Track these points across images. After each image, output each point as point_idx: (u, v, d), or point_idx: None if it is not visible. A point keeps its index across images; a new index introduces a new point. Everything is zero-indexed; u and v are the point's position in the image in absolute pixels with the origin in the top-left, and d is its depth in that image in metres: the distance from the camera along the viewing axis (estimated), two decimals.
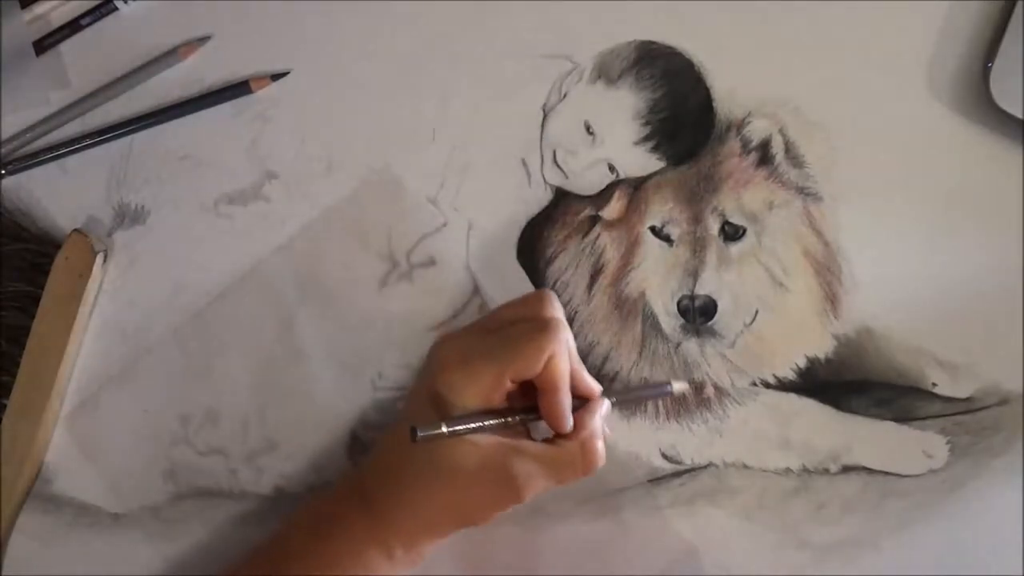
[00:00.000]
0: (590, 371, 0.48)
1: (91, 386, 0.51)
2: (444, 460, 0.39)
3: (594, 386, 0.43)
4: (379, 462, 0.43)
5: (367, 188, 0.51)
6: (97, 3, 0.54)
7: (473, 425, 0.39)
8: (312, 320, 0.50)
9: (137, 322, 0.51)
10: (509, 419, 0.40)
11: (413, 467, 0.40)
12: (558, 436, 0.41)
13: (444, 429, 0.38)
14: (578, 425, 0.41)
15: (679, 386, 0.45)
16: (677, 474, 0.46)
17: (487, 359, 0.40)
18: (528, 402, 0.41)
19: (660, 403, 0.47)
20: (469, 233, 0.50)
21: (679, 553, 0.45)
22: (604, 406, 0.42)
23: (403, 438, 0.39)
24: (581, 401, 0.42)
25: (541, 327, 0.40)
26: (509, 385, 0.40)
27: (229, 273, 0.51)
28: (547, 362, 0.39)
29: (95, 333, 0.51)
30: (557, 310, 0.41)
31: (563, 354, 0.40)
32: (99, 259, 0.50)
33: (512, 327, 0.41)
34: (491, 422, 0.39)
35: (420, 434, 0.37)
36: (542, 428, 0.41)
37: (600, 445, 0.41)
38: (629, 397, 0.47)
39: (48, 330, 0.50)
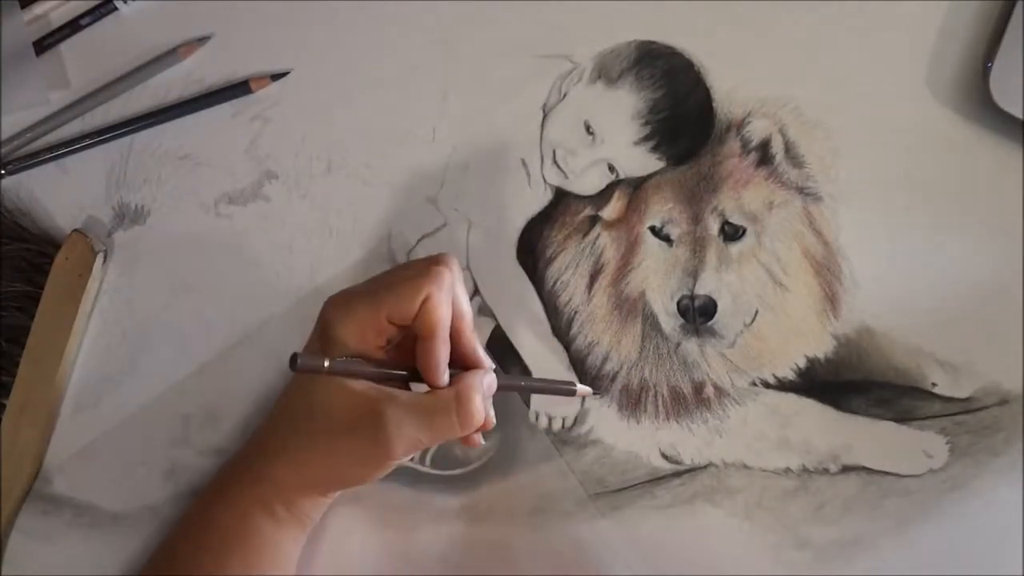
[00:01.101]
0: (590, 371, 0.48)
1: (91, 386, 0.51)
2: (318, 403, 0.39)
3: (484, 360, 0.41)
4: (263, 423, 0.43)
5: (366, 189, 0.51)
6: (97, 3, 0.54)
7: (354, 368, 0.39)
8: (312, 320, 0.50)
9: (137, 322, 0.51)
10: (391, 372, 0.40)
11: (290, 414, 0.41)
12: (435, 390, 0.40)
13: (325, 363, 0.37)
14: (455, 381, 0.40)
15: (583, 389, 0.45)
16: (677, 474, 0.46)
17: (365, 296, 0.40)
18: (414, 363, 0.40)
19: (660, 403, 0.47)
20: (469, 233, 0.50)
21: (679, 553, 0.45)
22: (487, 376, 0.41)
23: (285, 391, 0.40)
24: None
25: (421, 270, 0.40)
26: (388, 327, 0.39)
27: (229, 274, 0.51)
28: (423, 305, 0.38)
29: (95, 333, 0.51)
30: (446, 263, 0.40)
31: (441, 300, 0.39)
32: (99, 259, 0.50)
33: (394, 268, 0.42)
34: (372, 369, 0.39)
35: (300, 362, 0.37)
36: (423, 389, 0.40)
37: (478, 399, 0.39)
38: (523, 385, 0.46)
39: (48, 330, 0.50)
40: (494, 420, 0.40)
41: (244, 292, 0.51)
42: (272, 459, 0.41)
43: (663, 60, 0.50)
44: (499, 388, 0.41)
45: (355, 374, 0.39)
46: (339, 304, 0.40)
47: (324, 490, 0.41)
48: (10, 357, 0.50)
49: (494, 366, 0.42)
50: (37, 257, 0.51)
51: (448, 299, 0.39)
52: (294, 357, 0.37)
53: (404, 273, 0.40)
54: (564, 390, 0.45)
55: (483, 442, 0.43)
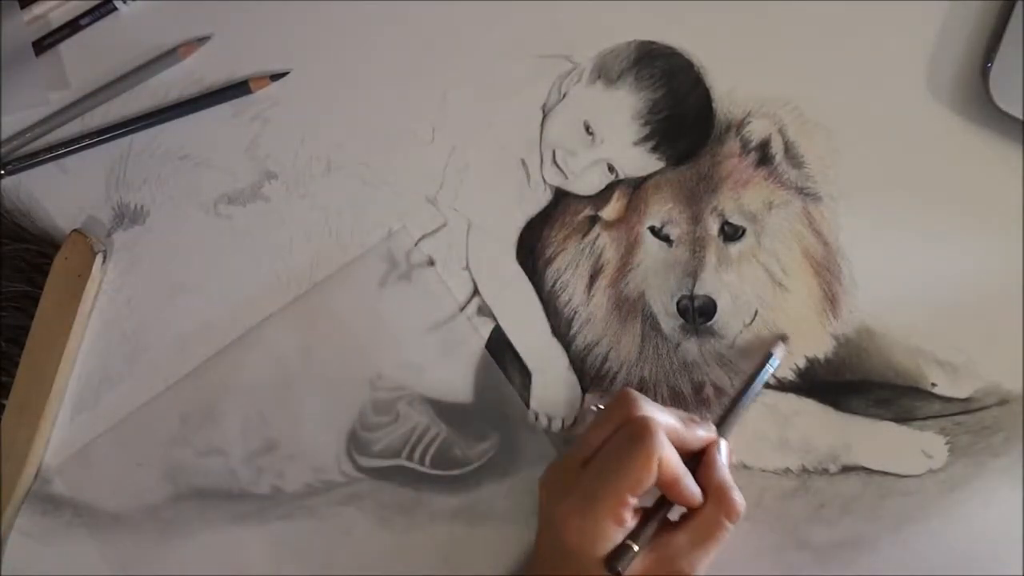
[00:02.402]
0: (589, 371, 0.48)
1: (91, 386, 0.51)
2: None
3: (705, 436, 0.42)
4: None
5: (366, 189, 0.51)
6: (96, 3, 0.54)
7: (650, 531, 0.40)
8: (311, 320, 0.50)
9: (137, 322, 0.51)
10: (657, 520, 0.40)
11: None
12: (696, 511, 0.41)
13: (634, 548, 0.39)
14: (704, 487, 0.41)
15: (780, 352, 0.45)
16: None
17: (603, 496, 0.39)
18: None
19: (660, 403, 0.47)
20: (468, 233, 0.50)
21: None
22: (722, 451, 0.42)
23: (558, 571, 0.40)
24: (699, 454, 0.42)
25: (636, 436, 0.39)
26: (635, 501, 0.39)
27: (229, 274, 0.51)
28: (660, 467, 0.39)
29: (95, 333, 0.51)
30: (639, 406, 0.41)
31: (667, 447, 0.39)
32: (98, 259, 0.50)
33: (609, 450, 0.40)
34: (649, 534, 0.40)
35: (621, 567, 0.38)
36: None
37: (733, 493, 0.41)
38: (737, 411, 0.45)
39: (47, 330, 0.50)
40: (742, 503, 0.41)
41: (244, 292, 0.51)
42: None
43: (663, 60, 0.50)
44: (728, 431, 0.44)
45: (648, 539, 0.40)
46: (577, 520, 0.39)
47: None
48: (10, 357, 0.50)
49: (712, 435, 0.43)
50: (37, 257, 0.51)
51: (669, 443, 0.40)
52: (613, 565, 0.38)
53: (622, 448, 0.40)
54: (767, 370, 0.45)
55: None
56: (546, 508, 0.41)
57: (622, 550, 0.39)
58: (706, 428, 0.43)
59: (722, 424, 0.44)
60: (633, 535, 0.39)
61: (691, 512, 0.41)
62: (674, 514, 0.41)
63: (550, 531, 0.41)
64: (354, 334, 0.50)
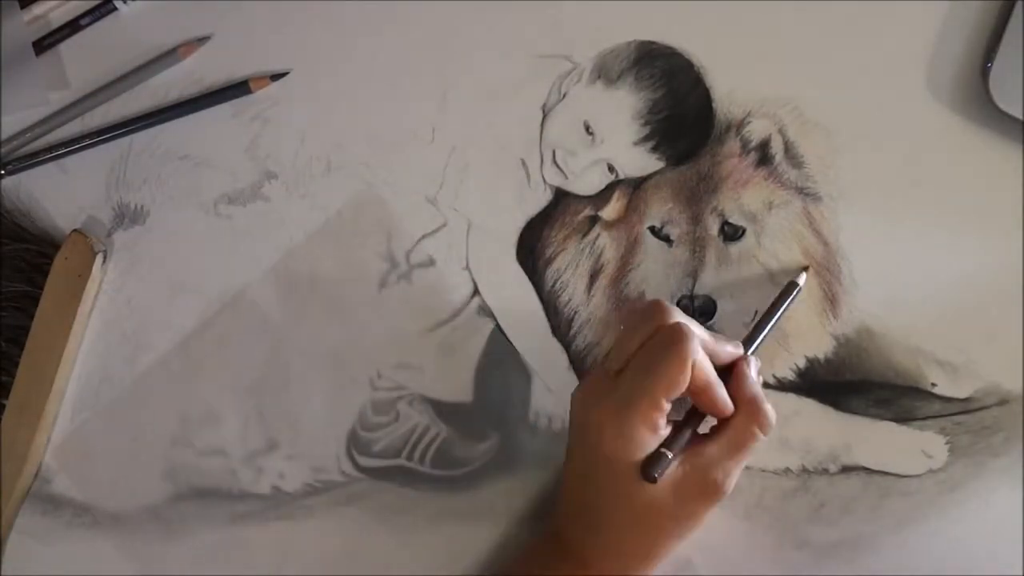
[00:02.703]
0: (590, 371, 0.48)
1: (91, 386, 0.51)
2: (641, 500, 0.39)
3: (733, 351, 0.42)
4: (571, 512, 0.43)
5: (366, 189, 0.51)
6: (96, 3, 0.54)
7: (684, 439, 0.40)
8: (312, 320, 0.50)
9: (137, 322, 0.51)
10: (686, 432, 0.40)
11: (612, 514, 0.41)
12: (727, 421, 0.41)
13: (669, 455, 0.39)
14: (735, 399, 0.40)
15: (803, 280, 0.45)
16: None
17: (638, 400, 0.39)
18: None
19: None
20: (468, 233, 0.50)
21: (678, 553, 0.45)
22: (753, 368, 0.42)
23: (591, 482, 0.40)
24: (727, 370, 0.42)
25: (669, 342, 0.39)
26: (668, 406, 0.39)
27: (229, 274, 0.51)
28: (693, 371, 0.39)
29: (95, 333, 0.51)
30: (670, 314, 0.40)
31: (701, 352, 0.39)
32: (98, 259, 0.50)
33: (642, 355, 0.40)
34: (684, 442, 0.40)
35: (657, 473, 0.38)
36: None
37: (764, 405, 0.40)
38: (763, 333, 0.44)
39: (48, 330, 0.50)
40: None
41: (244, 293, 0.51)
42: (602, 557, 0.41)
43: (663, 60, 0.50)
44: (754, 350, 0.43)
45: (682, 448, 0.40)
46: (614, 426, 0.39)
47: (664, 556, 0.42)
48: (10, 357, 0.50)
49: (740, 351, 0.42)
50: (37, 257, 0.51)
51: (701, 349, 0.39)
52: (647, 470, 0.39)
53: (655, 354, 0.39)
54: (792, 296, 0.45)
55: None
56: (579, 418, 0.41)
57: (657, 456, 0.39)
58: (735, 346, 0.42)
59: (748, 344, 0.44)
60: (667, 443, 0.39)
61: (722, 424, 0.41)
62: (704, 428, 0.41)
63: (584, 442, 0.41)
64: (354, 334, 0.50)
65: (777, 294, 0.46)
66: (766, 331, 0.44)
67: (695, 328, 0.40)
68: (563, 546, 0.42)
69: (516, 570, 0.44)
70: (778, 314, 0.45)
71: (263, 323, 0.50)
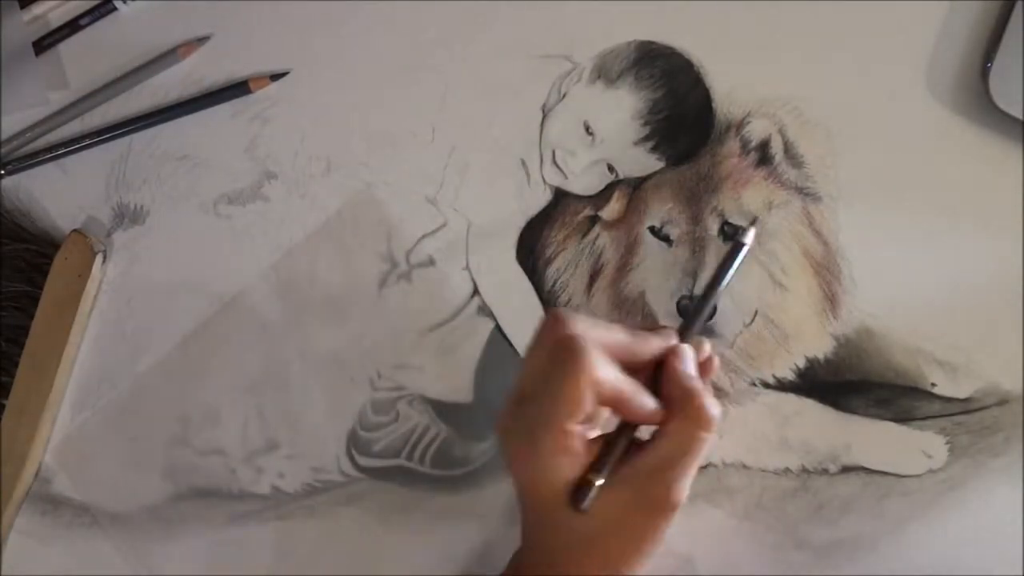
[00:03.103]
0: None
1: (91, 386, 0.51)
2: (581, 531, 0.36)
3: (661, 343, 0.38)
4: (524, 555, 0.40)
5: (366, 189, 0.51)
6: (96, 3, 0.54)
7: (614, 456, 0.37)
8: (311, 320, 0.50)
9: (137, 322, 0.51)
10: (620, 446, 0.37)
11: (557, 550, 0.37)
12: (662, 426, 0.37)
13: (596, 481, 0.36)
14: (668, 399, 0.37)
15: (750, 237, 0.41)
16: None
17: (542, 433, 0.36)
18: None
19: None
20: (468, 233, 0.50)
21: (678, 553, 0.45)
22: (686, 357, 0.38)
23: (528, 520, 0.38)
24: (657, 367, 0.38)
25: (561, 359, 0.36)
26: (580, 428, 0.36)
27: (228, 274, 0.51)
28: (593, 388, 0.35)
29: (95, 333, 0.51)
30: (566, 324, 0.37)
31: (601, 365, 0.36)
32: (98, 259, 0.50)
33: (536, 378, 0.37)
34: (613, 456, 0.37)
35: (584, 504, 0.36)
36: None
37: (699, 399, 0.37)
38: (702, 310, 0.41)
39: (47, 330, 0.50)
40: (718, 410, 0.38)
41: (244, 293, 0.51)
42: None
43: (663, 60, 0.50)
44: (695, 333, 0.39)
45: (612, 464, 0.37)
46: (526, 458, 0.37)
47: None
48: (10, 357, 0.50)
49: (670, 340, 0.39)
50: (37, 257, 0.51)
51: (601, 359, 0.36)
52: (575, 497, 0.36)
53: (551, 374, 0.36)
54: (737, 258, 0.41)
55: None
56: (503, 450, 0.38)
57: (582, 484, 0.36)
58: (664, 337, 0.39)
59: (685, 331, 0.40)
60: (595, 466, 0.36)
61: (661, 430, 0.37)
62: (647, 433, 0.38)
63: (513, 478, 0.38)
64: (354, 334, 0.50)
65: (722, 258, 0.42)
66: (704, 312, 0.41)
67: (598, 332, 0.37)
68: None
69: None
70: (723, 282, 0.42)
71: (263, 323, 0.50)
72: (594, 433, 0.38)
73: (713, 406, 0.37)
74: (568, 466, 0.36)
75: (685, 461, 0.37)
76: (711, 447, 0.38)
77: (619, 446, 0.37)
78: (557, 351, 0.36)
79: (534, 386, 0.37)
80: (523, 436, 0.36)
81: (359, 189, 0.51)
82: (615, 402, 0.37)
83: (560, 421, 0.35)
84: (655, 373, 0.39)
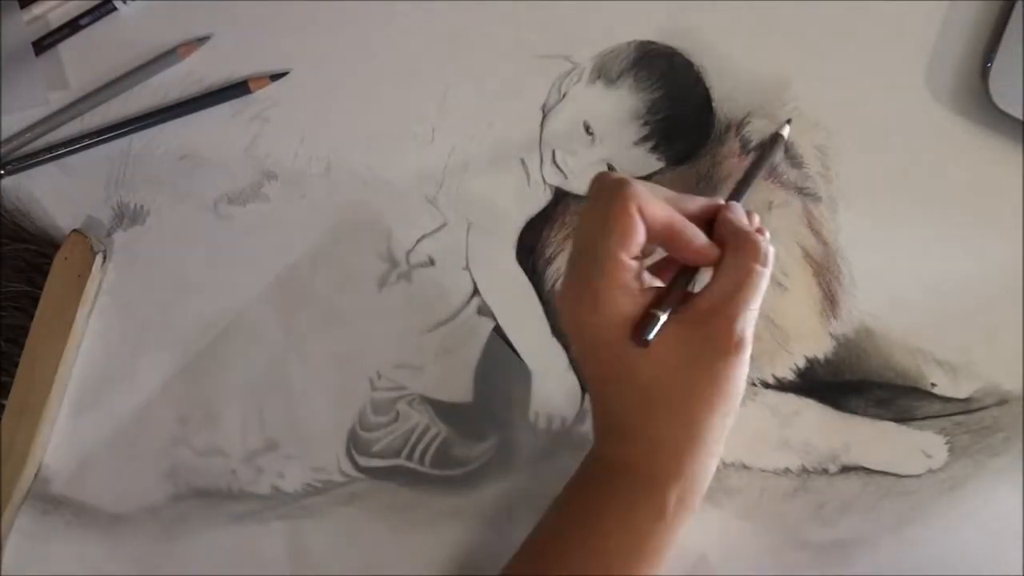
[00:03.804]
0: None
1: (91, 386, 0.51)
2: (647, 369, 0.36)
3: (710, 203, 0.39)
4: (600, 429, 0.39)
5: (366, 189, 0.51)
6: (96, 3, 0.54)
7: (674, 297, 0.36)
8: (311, 320, 0.50)
9: (137, 322, 0.51)
10: (680, 282, 0.37)
11: (629, 398, 0.37)
12: (718, 267, 0.38)
13: (661, 316, 0.35)
14: (721, 241, 0.38)
15: (785, 130, 0.43)
16: None
17: (595, 265, 0.36)
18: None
19: None
20: (468, 233, 0.50)
21: (677, 553, 0.45)
22: (737, 210, 0.39)
23: (597, 381, 0.37)
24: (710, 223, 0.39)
25: (608, 190, 0.36)
26: (634, 264, 0.36)
27: (228, 273, 0.51)
28: (643, 216, 0.36)
29: (94, 333, 0.51)
30: (620, 179, 0.37)
31: (649, 198, 0.36)
32: (98, 259, 0.50)
33: (586, 217, 0.38)
34: (675, 291, 0.37)
35: (649, 335, 0.35)
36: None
37: (753, 235, 0.37)
38: (748, 183, 0.42)
39: (47, 330, 0.50)
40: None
41: (244, 293, 0.51)
42: (645, 446, 0.37)
43: (662, 60, 0.50)
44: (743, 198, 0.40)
45: (673, 303, 0.36)
46: (582, 295, 0.36)
47: (718, 434, 0.37)
48: (9, 357, 0.50)
49: (719, 200, 0.40)
50: (36, 257, 0.51)
51: (648, 193, 0.36)
52: (638, 332, 0.35)
53: (603, 217, 0.36)
54: (774, 150, 0.44)
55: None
56: (565, 319, 0.38)
57: (645, 319, 0.35)
58: (711, 200, 0.40)
59: (734, 196, 0.42)
60: (655, 303, 0.36)
61: (716, 269, 0.37)
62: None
63: (576, 339, 0.37)
64: (354, 334, 0.50)
65: (761, 147, 0.44)
66: (751, 182, 0.42)
67: (645, 184, 0.37)
68: (606, 466, 0.38)
69: (567, 503, 0.40)
70: (763, 165, 0.43)
71: (262, 323, 0.50)
72: (649, 280, 0.38)
73: (766, 241, 0.37)
74: (628, 301, 0.36)
75: (743, 296, 0.36)
76: (765, 283, 0.37)
77: (678, 285, 0.37)
78: (604, 192, 0.36)
79: (585, 238, 0.37)
80: (581, 282, 0.36)
81: (359, 189, 0.51)
82: (667, 234, 0.37)
83: (614, 253, 0.35)
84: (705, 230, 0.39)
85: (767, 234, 0.39)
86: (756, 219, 0.41)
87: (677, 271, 0.38)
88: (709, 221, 0.39)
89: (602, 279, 0.36)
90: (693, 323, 0.36)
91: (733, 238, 0.37)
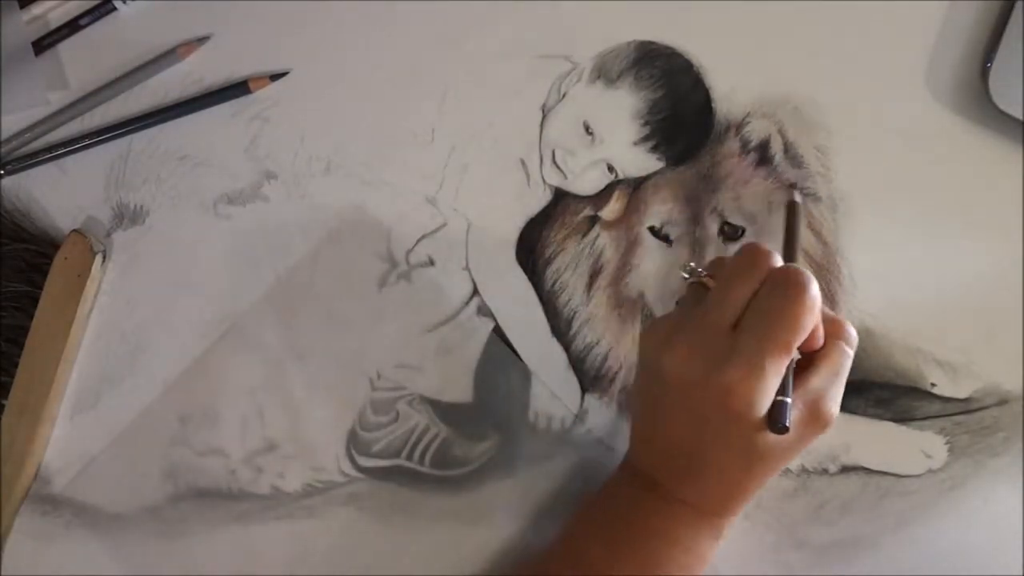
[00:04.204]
0: (589, 371, 0.48)
1: (91, 386, 0.51)
2: (762, 446, 0.38)
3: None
4: (662, 458, 0.41)
5: (366, 189, 0.51)
6: (96, 3, 0.54)
7: (790, 381, 0.38)
8: (311, 320, 0.50)
9: (136, 322, 0.51)
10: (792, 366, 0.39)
11: (726, 462, 0.39)
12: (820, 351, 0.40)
13: (788, 400, 0.37)
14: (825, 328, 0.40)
15: (799, 197, 0.45)
16: None
17: (771, 356, 0.37)
18: None
19: None
20: (468, 233, 0.50)
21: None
22: (814, 286, 0.40)
23: (702, 434, 0.39)
24: None
25: (793, 282, 0.38)
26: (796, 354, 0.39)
27: (228, 273, 0.51)
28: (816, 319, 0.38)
29: (94, 333, 0.51)
30: (776, 258, 0.39)
31: (818, 299, 0.38)
32: (98, 259, 0.50)
33: (764, 303, 0.38)
34: (790, 374, 0.38)
35: (787, 422, 0.37)
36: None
37: (846, 323, 0.40)
38: (798, 256, 0.45)
39: (47, 330, 0.50)
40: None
41: (244, 293, 0.51)
42: (724, 499, 0.40)
43: (662, 60, 0.50)
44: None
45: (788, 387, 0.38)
46: (747, 383, 0.37)
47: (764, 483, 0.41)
48: (9, 357, 0.50)
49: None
50: (36, 257, 0.51)
51: (817, 295, 0.38)
52: (778, 425, 0.37)
53: (778, 299, 0.38)
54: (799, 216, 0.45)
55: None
56: (684, 376, 0.38)
57: (779, 406, 0.37)
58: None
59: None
60: (781, 389, 0.38)
61: (811, 355, 0.40)
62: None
63: (700, 400, 0.38)
64: (354, 334, 0.50)
65: (785, 220, 0.45)
66: (798, 255, 0.44)
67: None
68: (650, 482, 0.41)
69: (599, 507, 0.43)
70: (799, 237, 0.45)
71: (262, 323, 0.50)
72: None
73: (851, 327, 0.41)
74: (775, 389, 0.38)
75: (840, 378, 0.40)
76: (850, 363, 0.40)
77: (790, 370, 0.38)
78: (781, 278, 0.38)
79: (757, 312, 0.38)
80: (748, 361, 0.37)
81: (359, 189, 0.51)
82: (815, 327, 0.39)
83: (791, 343, 0.37)
84: None
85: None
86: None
87: (798, 360, 0.40)
88: None
89: (772, 367, 0.37)
90: (805, 403, 0.39)
91: (830, 325, 0.40)
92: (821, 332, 0.39)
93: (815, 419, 0.39)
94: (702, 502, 0.40)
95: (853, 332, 0.40)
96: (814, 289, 0.38)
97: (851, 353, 0.40)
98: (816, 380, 0.39)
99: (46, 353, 0.49)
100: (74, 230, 0.51)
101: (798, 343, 0.37)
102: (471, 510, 0.47)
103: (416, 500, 0.48)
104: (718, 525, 0.41)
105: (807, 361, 0.40)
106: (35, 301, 0.50)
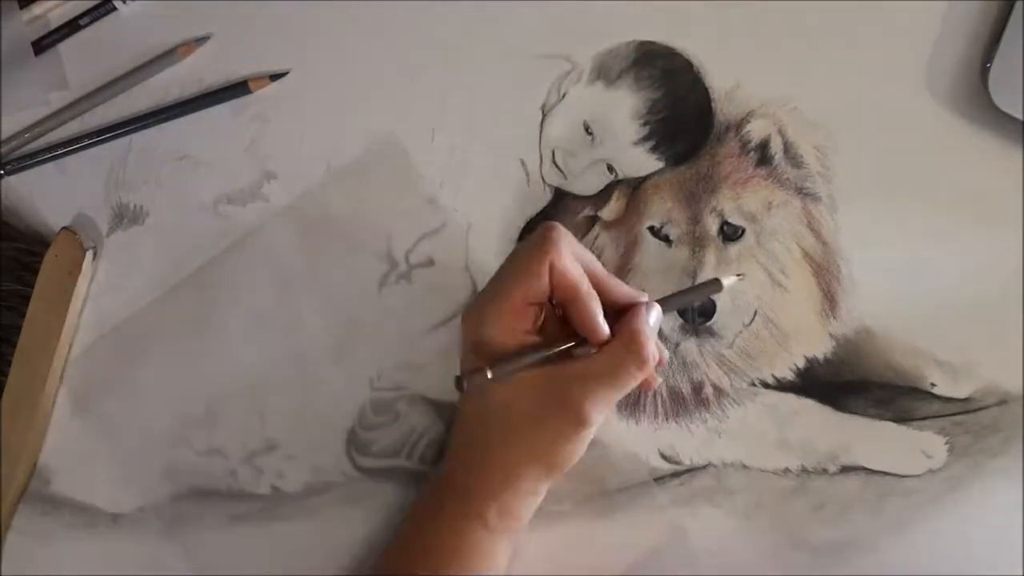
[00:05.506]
0: None
1: (89, 386, 0.51)
2: (498, 405, 0.39)
3: (635, 293, 0.41)
4: (455, 438, 0.43)
5: (365, 189, 0.51)
6: (96, 3, 0.54)
7: (519, 363, 0.38)
8: (311, 320, 0.50)
9: (136, 322, 0.51)
10: (553, 350, 0.39)
11: (474, 425, 0.40)
12: (603, 346, 0.39)
13: (488, 375, 0.37)
14: (619, 330, 0.39)
15: (728, 281, 0.43)
16: (676, 474, 0.46)
17: (493, 293, 0.39)
18: (569, 333, 0.40)
19: (659, 404, 0.47)
20: (468, 233, 0.50)
21: (678, 553, 0.45)
22: (653, 312, 0.40)
23: (463, 407, 0.40)
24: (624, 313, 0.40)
25: (533, 243, 0.39)
26: (529, 309, 0.39)
27: (227, 274, 0.51)
28: (552, 272, 0.38)
29: (94, 333, 0.51)
30: (551, 227, 0.40)
31: (565, 257, 0.38)
32: (88, 256, 0.50)
33: (509, 259, 0.41)
34: (536, 356, 0.38)
35: (466, 383, 0.37)
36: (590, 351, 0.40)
37: (648, 343, 0.39)
38: (677, 301, 0.44)
39: (39, 328, 0.50)
40: (666, 355, 0.41)
41: (243, 293, 0.51)
42: (472, 473, 0.41)
43: (662, 60, 0.50)
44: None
45: (521, 367, 0.38)
46: (472, 312, 0.40)
47: (533, 486, 0.40)
48: (3, 356, 0.50)
49: (646, 297, 0.41)
50: (27, 256, 0.51)
51: (571, 255, 0.39)
52: (458, 380, 0.37)
53: (519, 255, 0.40)
54: (711, 289, 0.43)
55: (660, 380, 0.42)
56: (462, 317, 0.41)
57: (477, 371, 0.37)
58: (639, 294, 0.41)
59: (663, 301, 0.42)
60: (519, 352, 0.38)
61: (598, 351, 0.39)
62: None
63: (462, 337, 0.41)
64: (354, 334, 0.50)
65: (704, 283, 0.44)
66: (676, 299, 0.43)
67: (583, 250, 0.40)
68: (450, 486, 0.42)
69: (410, 521, 0.44)
70: (691, 297, 0.45)
71: (262, 323, 0.50)
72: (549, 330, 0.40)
73: (655, 351, 0.39)
74: (502, 335, 0.38)
75: (607, 382, 0.38)
76: (633, 386, 0.39)
77: (557, 346, 0.39)
78: (534, 235, 0.39)
79: (501, 269, 0.40)
80: (479, 301, 0.39)
81: (359, 189, 0.51)
82: (570, 295, 0.39)
83: (513, 290, 0.38)
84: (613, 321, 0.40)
85: (666, 356, 0.41)
86: (665, 352, 0.43)
87: (568, 332, 0.40)
88: (625, 310, 0.41)
89: (492, 305, 0.39)
90: (557, 381, 0.39)
91: (630, 335, 0.39)
92: (593, 317, 0.38)
93: (561, 404, 0.38)
94: (465, 478, 0.41)
95: (646, 353, 0.38)
96: (549, 243, 0.38)
97: (632, 369, 0.38)
98: (576, 368, 0.39)
99: (39, 351, 0.49)
100: (64, 227, 0.51)
101: (525, 292, 0.38)
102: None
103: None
104: (478, 507, 0.40)
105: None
106: (27, 300, 0.50)
